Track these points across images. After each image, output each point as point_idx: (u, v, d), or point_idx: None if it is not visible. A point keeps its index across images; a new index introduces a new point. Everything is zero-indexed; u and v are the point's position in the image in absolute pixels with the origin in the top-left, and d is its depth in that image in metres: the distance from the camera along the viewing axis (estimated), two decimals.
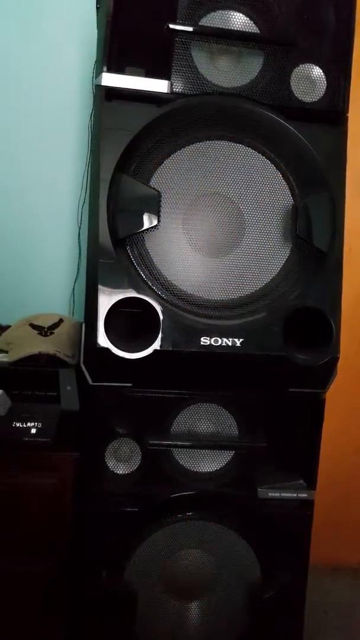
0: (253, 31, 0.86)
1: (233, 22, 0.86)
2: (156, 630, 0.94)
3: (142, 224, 0.84)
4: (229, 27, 0.85)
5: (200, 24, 0.85)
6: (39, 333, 1.08)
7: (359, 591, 1.40)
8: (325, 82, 0.88)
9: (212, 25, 0.85)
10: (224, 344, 0.85)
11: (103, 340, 0.82)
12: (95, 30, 0.96)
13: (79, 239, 1.35)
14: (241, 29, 0.86)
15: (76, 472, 0.92)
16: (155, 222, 0.84)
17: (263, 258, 0.89)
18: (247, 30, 0.86)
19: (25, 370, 1.00)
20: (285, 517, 0.94)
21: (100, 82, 0.83)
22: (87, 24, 1.13)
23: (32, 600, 0.93)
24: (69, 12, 1.30)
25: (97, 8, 0.95)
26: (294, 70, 0.87)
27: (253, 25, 0.86)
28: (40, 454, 0.92)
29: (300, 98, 0.88)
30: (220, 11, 0.85)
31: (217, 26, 0.85)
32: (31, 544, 0.92)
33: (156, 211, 0.84)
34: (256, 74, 0.87)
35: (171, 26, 0.82)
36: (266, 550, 0.95)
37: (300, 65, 0.87)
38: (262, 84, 0.87)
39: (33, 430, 0.90)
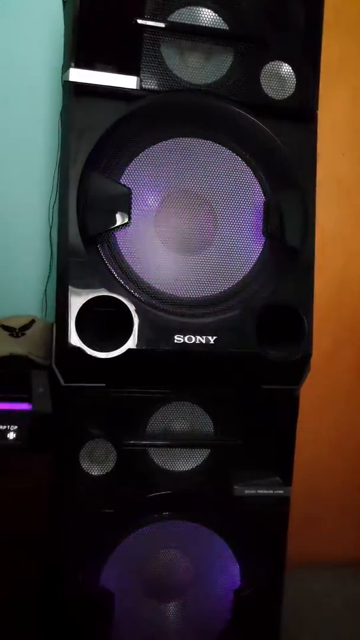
0: (222, 28, 0.86)
1: (202, 19, 0.85)
2: (134, 631, 0.93)
3: (113, 222, 0.83)
4: (198, 24, 0.85)
5: (169, 19, 0.84)
6: (10, 334, 1.06)
7: (335, 586, 1.41)
8: (295, 79, 0.89)
9: (181, 21, 0.84)
10: (197, 342, 0.85)
11: (75, 339, 0.81)
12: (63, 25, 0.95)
13: (50, 238, 1.33)
14: (210, 26, 0.85)
15: (51, 475, 0.90)
16: (126, 220, 0.83)
17: (235, 255, 0.89)
18: (216, 26, 0.86)
19: None
20: (262, 514, 0.94)
21: (68, 77, 0.82)
22: (56, 18, 1.12)
23: (7, 606, 0.92)
24: (36, 5, 1.28)
25: (64, 2, 0.93)
26: (264, 67, 0.87)
27: (222, 22, 0.86)
28: (14, 457, 0.90)
29: (270, 95, 0.88)
30: (189, 7, 0.85)
31: (186, 22, 0.84)
32: (6, 549, 0.91)
33: (127, 209, 0.83)
34: (226, 70, 0.86)
35: (139, 21, 0.82)
36: (243, 547, 0.95)
37: (270, 63, 0.88)
38: (232, 80, 0.87)
39: (5, 434, 0.88)
